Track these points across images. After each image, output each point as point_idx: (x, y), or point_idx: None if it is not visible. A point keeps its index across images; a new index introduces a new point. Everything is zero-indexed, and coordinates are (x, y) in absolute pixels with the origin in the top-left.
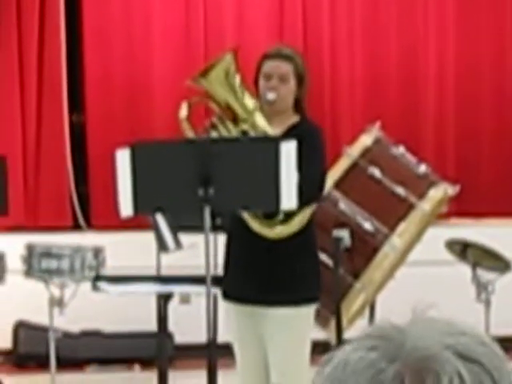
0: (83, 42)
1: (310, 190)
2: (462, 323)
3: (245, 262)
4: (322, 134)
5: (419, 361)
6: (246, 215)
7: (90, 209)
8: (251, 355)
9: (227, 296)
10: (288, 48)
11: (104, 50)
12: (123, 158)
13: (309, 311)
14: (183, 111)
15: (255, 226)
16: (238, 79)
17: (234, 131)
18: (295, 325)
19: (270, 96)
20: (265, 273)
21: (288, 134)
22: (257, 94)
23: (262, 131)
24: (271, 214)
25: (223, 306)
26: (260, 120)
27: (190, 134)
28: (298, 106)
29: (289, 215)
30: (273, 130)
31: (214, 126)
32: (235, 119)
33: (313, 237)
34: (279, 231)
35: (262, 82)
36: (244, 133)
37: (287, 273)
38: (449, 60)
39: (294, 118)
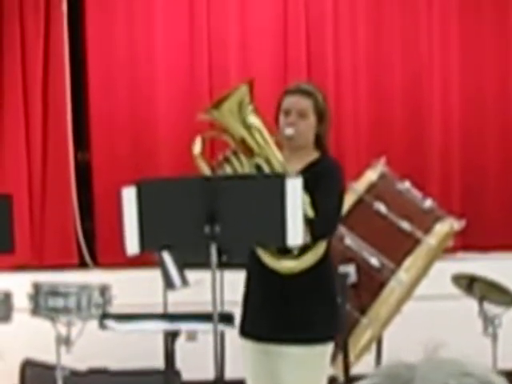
0: (88, 80)
1: (323, 225)
2: (471, 363)
3: (260, 299)
4: (342, 171)
5: None
6: (259, 250)
7: (96, 247)
8: None
9: (243, 333)
10: (308, 84)
11: (108, 87)
12: (129, 196)
13: (324, 350)
14: (197, 146)
15: (267, 260)
16: (251, 109)
17: (247, 165)
18: (309, 364)
19: (288, 131)
20: (279, 310)
21: (307, 170)
22: (277, 131)
23: (277, 164)
24: (285, 248)
25: (239, 342)
26: (275, 152)
27: (204, 169)
28: (318, 142)
29: (303, 250)
30: (290, 166)
31: (227, 160)
32: (249, 153)
33: (329, 274)
34: (291, 266)
35: (281, 118)
36: (258, 167)
37: (302, 311)
38: (453, 93)
39: (314, 155)
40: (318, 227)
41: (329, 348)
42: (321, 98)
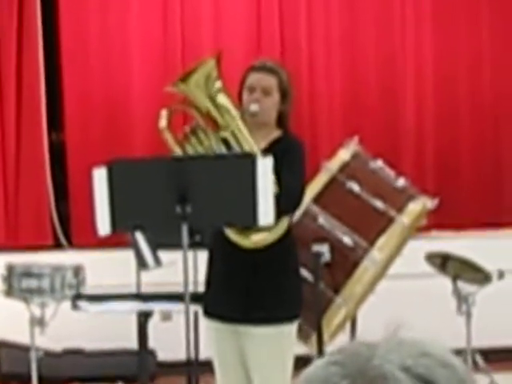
0: (61, 60)
1: (288, 201)
2: (430, 343)
3: (225, 279)
4: (304, 149)
5: (371, 380)
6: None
7: (71, 227)
8: (232, 373)
9: (208, 313)
10: (273, 62)
11: (82, 67)
12: (100, 177)
13: (291, 329)
14: (163, 120)
15: (232, 235)
16: (218, 84)
17: (213, 138)
18: (277, 343)
19: (253, 108)
20: (245, 291)
21: (270, 149)
22: (240, 107)
23: (243, 138)
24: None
25: (204, 323)
26: (241, 128)
27: (171, 142)
28: (281, 120)
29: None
30: (254, 140)
31: (193, 132)
32: (215, 126)
33: (293, 254)
34: (256, 240)
35: (245, 94)
36: (225, 141)
37: (268, 291)
38: (427, 72)
39: (277, 133)
40: (283, 203)
41: (294, 326)
42: (285, 76)
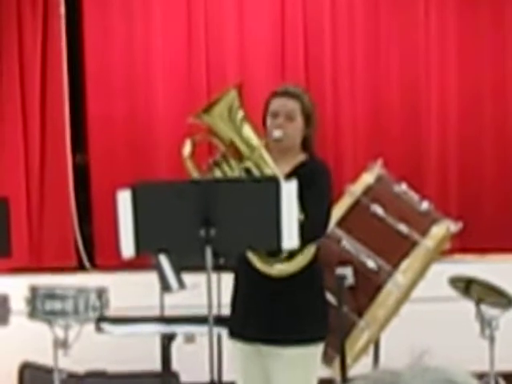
0: (85, 82)
1: (313, 228)
2: (453, 370)
3: (250, 300)
4: (330, 173)
5: None
6: (248, 253)
7: (94, 249)
8: None
9: (233, 334)
10: (295, 86)
11: (106, 90)
12: (124, 199)
13: (315, 351)
14: (186, 149)
15: (257, 263)
16: (241, 115)
17: (237, 169)
18: (301, 364)
19: (276, 134)
20: (269, 312)
21: (295, 173)
22: (265, 133)
23: (266, 168)
24: (274, 252)
25: (228, 344)
26: (265, 157)
27: (193, 172)
28: (305, 144)
29: (292, 253)
30: (278, 168)
31: (217, 164)
32: (239, 156)
33: (319, 276)
34: (281, 269)
35: (269, 121)
36: (247, 170)
37: (293, 312)
38: (451, 97)
39: (302, 157)
40: (308, 231)
41: (319, 348)
42: (307, 100)
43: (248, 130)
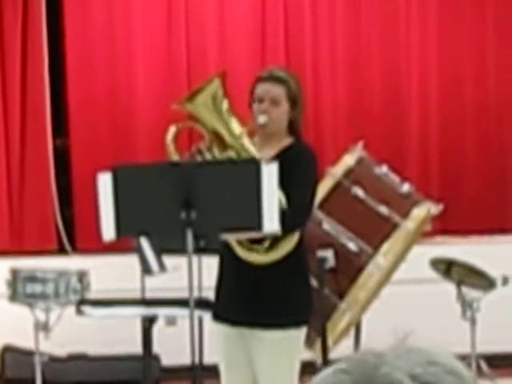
0: (66, 66)
1: (296, 215)
2: (437, 351)
3: (235, 283)
4: (316, 158)
5: None
6: (231, 241)
7: (75, 232)
8: (238, 377)
9: (217, 317)
10: (281, 70)
11: (86, 73)
12: (105, 182)
13: (298, 334)
14: (170, 135)
15: (240, 251)
16: (225, 104)
17: (219, 157)
18: (284, 348)
19: (261, 119)
20: (254, 295)
21: (280, 156)
22: (251, 117)
23: (249, 157)
24: (257, 239)
25: (212, 326)
26: (247, 146)
27: (175, 158)
28: (292, 128)
29: (275, 240)
30: (264, 152)
31: (200, 152)
32: (222, 145)
33: (303, 260)
34: (264, 257)
35: (254, 105)
36: (230, 159)
37: (277, 295)
38: (432, 78)
39: (288, 141)
40: (290, 219)
41: (302, 332)
42: (294, 84)
43: (231, 119)
